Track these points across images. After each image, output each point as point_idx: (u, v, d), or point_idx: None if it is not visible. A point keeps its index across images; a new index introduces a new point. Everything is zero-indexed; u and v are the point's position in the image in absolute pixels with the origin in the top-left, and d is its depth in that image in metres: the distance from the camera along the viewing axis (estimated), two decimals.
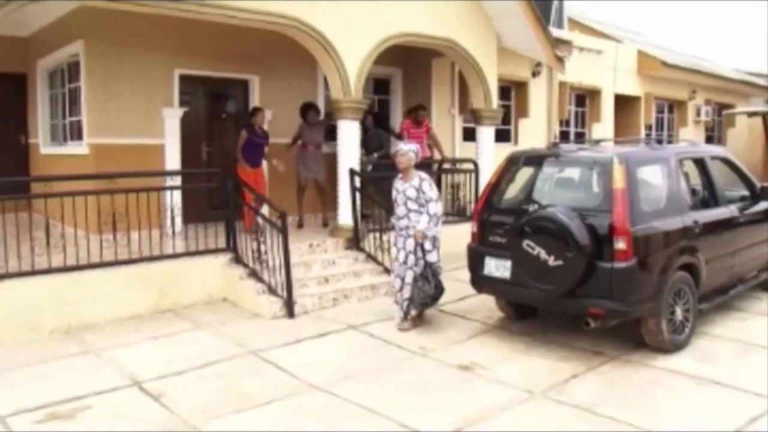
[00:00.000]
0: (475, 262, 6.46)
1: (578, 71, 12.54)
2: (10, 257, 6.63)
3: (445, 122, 10.88)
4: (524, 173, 6.40)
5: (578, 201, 5.88)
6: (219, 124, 9.49)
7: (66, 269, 6.67)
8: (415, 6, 8.97)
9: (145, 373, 5.62)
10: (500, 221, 6.24)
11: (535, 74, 11.99)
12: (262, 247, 7.30)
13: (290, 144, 9.41)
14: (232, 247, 7.66)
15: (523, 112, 12.29)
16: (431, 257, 6.56)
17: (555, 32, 11.35)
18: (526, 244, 5.71)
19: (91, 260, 6.91)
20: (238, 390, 5.30)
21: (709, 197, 6.70)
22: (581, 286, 5.57)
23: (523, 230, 5.74)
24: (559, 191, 6.17)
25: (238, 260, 7.60)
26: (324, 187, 9.44)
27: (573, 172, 6.14)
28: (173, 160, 8.69)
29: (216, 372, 5.67)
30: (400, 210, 6.59)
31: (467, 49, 9.56)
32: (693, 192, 6.71)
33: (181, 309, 7.29)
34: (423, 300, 6.52)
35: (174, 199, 8.06)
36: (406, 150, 6.52)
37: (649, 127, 15.56)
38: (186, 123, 8.91)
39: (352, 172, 8.45)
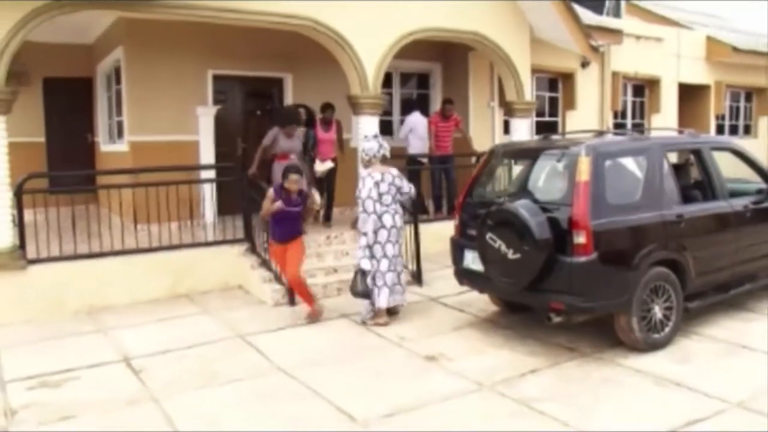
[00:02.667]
0: (455, 255, 6.53)
1: (635, 60, 12.05)
2: (49, 243, 7.43)
3: (483, 115, 10.86)
4: (503, 166, 6.39)
5: (546, 194, 5.81)
6: (254, 120, 9.98)
7: (90, 256, 7.37)
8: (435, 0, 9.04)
9: (138, 351, 6.16)
10: (477, 214, 6.25)
11: (584, 65, 11.66)
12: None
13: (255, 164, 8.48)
14: (248, 237, 8.12)
15: (570, 104, 11.99)
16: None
17: (605, 21, 11.03)
18: (489, 236, 5.73)
19: (116, 248, 7.59)
20: (210, 370, 5.69)
21: (706, 190, 6.38)
22: (543, 280, 5.54)
23: (486, 223, 5.76)
24: (530, 184, 6.10)
25: (253, 250, 8.04)
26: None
27: (545, 165, 6.04)
28: (207, 155, 9.28)
29: (199, 353, 6.10)
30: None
31: (497, 42, 9.50)
32: (685, 185, 6.44)
33: (196, 295, 7.83)
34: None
35: (207, 192, 8.66)
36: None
37: (720, 117, 14.67)
38: (222, 120, 9.47)
39: (384, 160, 8.63)
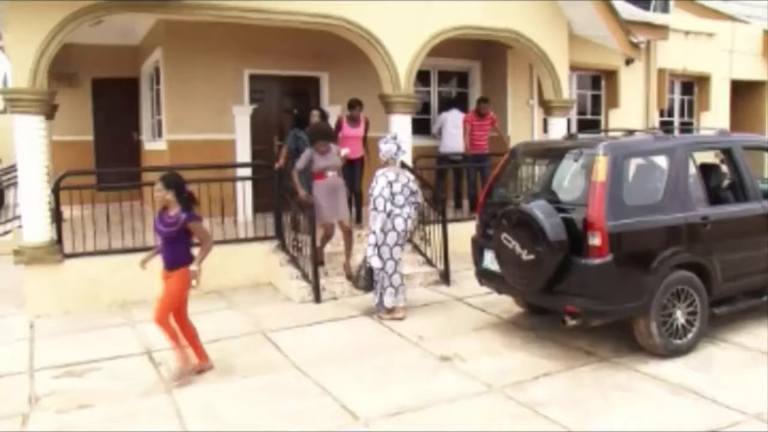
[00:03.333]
0: (476, 255, 6.46)
1: (684, 56, 11.64)
2: (86, 239, 7.69)
3: (522, 114, 10.70)
4: (524, 165, 6.29)
5: (563, 194, 5.71)
6: (290, 119, 10.07)
7: (123, 251, 7.59)
8: None
9: (161, 344, 6.22)
10: (496, 214, 6.17)
11: (628, 62, 11.32)
12: (300, 237, 7.79)
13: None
14: (278, 235, 8.22)
15: (613, 102, 11.68)
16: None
17: (650, 16, 10.70)
18: (504, 237, 5.65)
19: (150, 243, 7.79)
20: (227, 364, 5.79)
21: (738, 191, 6.12)
22: (559, 282, 5.43)
23: (501, 223, 5.68)
24: (548, 184, 5.99)
25: (282, 248, 8.14)
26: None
27: (565, 165, 5.90)
28: (243, 153, 9.46)
29: (219, 347, 6.20)
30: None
31: (533, 39, 9.35)
32: (717, 186, 6.20)
33: (226, 290, 7.98)
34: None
35: (242, 190, 8.81)
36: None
37: None
38: (258, 119, 9.62)
39: (403, 165, 8.62)
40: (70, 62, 10.98)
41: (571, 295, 5.39)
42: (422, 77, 11.23)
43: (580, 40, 10.08)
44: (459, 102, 10.81)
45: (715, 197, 6.10)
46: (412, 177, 6.98)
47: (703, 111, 13.01)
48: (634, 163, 5.63)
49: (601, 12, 9.29)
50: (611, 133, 6.49)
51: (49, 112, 10.19)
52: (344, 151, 8.19)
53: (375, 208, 6.79)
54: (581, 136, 6.62)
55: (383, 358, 5.85)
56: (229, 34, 9.10)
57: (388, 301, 6.84)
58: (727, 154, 6.19)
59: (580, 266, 5.30)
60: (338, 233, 7.77)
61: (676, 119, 13.12)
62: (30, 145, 7.07)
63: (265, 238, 8.22)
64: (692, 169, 5.86)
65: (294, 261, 7.88)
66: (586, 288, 5.31)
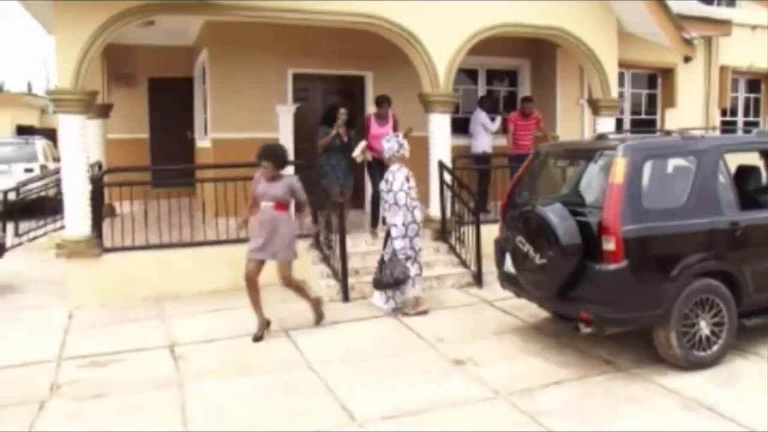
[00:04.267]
0: (498, 257, 6.32)
1: (750, 52, 11.00)
2: (127, 234, 7.98)
3: (572, 114, 10.38)
4: (547, 166, 6.09)
5: (582, 197, 5.51)
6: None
7: (159, 246, 7.84)
8: None
9: (185, 339, 6.49)
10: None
11: (687, 59, 10.79)
12: (331, 236, 7.83)
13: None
14: (313, 233, 8.28)
15: (669, 101, 11.16)
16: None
17: (710, 11, 10.16)
18: (519, 240, 5.50)
19: (187, 239, 8.03)
20: (243, 361, 5.89)
21: None
22: (573, 288, 5.24)
23: (516, 226, 5.54)
24: (569, 186, 5.80)
25: (317, 246, 8.19)
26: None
27: (587, 166, 5.69)
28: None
29: (239, 344, 6.32)
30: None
31: (580, 37, 9.05)
32: (755, 190, 5.83)
33: (260, 287, 8.07)
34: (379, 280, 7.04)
35: None
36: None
37: None
38: (303, 118, 9.70)
39: (441, 165, 8.56)
40: (128, 63, 11.44)
41: (585, 301, 5.20)
42: (470, 76, 11.14)
43: (634, 37, 9.70)
44: (486, 101, 10.54)
45: (750, 202, 5.75)
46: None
47: None
48: (657, 165, 5.37)
49: (650, 8, 8.89)
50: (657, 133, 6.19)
51: (104, 111, 10.73)
52: (362, 145, 8.26)
53: (395, 203, 6.87)
54: (611, 136, 6.38)
55: (397, 360, 5.81)
56: (273, 34, 9.21)
57: (415, 291, 6.98)
58: (766, 155, 5.82)
59: (594, 272, 5.10)
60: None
61: (740, 119, 12.46)
62: (72, 142, 7.38)
63: (301, 236, 8.27)
64: (723, 172, 5.53)
65: (326, 259, 7.92)
66: (599, 294, 5.11)
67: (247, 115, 9.42)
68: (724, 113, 12.10)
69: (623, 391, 5.00)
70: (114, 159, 11.16)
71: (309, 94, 10.06)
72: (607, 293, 5.08)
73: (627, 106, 11.23)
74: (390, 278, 6.93)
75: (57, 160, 12.33)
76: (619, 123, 10.86)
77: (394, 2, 8.22)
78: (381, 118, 8.77)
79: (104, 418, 4.83)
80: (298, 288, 6.68)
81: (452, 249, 8.43)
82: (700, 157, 5.43)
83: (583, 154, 5.88)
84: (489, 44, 9.48)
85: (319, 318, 6.78)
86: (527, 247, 5.41)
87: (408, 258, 6.92)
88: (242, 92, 9.38)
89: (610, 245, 5.01)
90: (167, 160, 10.99)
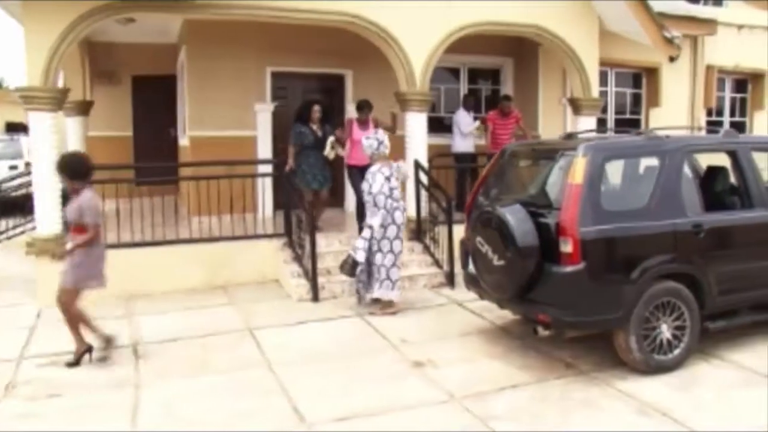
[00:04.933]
0: (463, 258, 6.24)
1: (736, 52, 10.88)
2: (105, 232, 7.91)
3: (555, 113, 10.27)
4: (512, 166, 6.01)
5: (542, 197, 5.42)
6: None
7: (132, 245, 7.79)
8: None
9: (150, 337, 6.45)
10: None
11: (672, 58, 10.69)
12: (302, 235, 7.78)
13: None
14: (287, 232, 8.23)
15: (653, 100, 11.06)
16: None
17: (695, 10, 10.04)
18: (478, 240, 5.44)
19: (158, 238, 7.98)
20: (204, 360, 5.85)
21: (743, 197, 5.65)
22: (532, 290, 5.17)
23: (476, 226, 5.47)
24: (530, 186, 5.71)
25: (290, 245, 8.15)
26: None
27: (549, 166, 5.60)
28: (264, 150, 9.54)
29: (204, 343, 6.28)
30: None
31: (560, 35, 8.95)
32: (723, 191, 5.75)
33: (232, 287, 8.06)
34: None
35: (262, 187, 8.91)
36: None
37: None
38: (282, 116, 9.65)
39: (417, 164, 8.49)
40: (111, 60, 11.41)
41: (543, 303, 5.13)
42: (454, 74, 11.07)
43: (618, 36, 9.60)
44: (469, 100, 10.41)
45: (716, 203, 5.67)
46: (396, 164, 7.03)
47: (758, 110, 12.15)
48: (619, 166, 5.30)
49: (631, 6, 8.77)
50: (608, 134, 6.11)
51: (84, 108, 10.70)
52: (331, 140, 8.24)
53: (375, 205, 6.80)
54: (580, 136, 6.30)
55: (358, 361, 5.75)
56: (251, 33, 9.15)
57: (387, 294, 6.91)
58: (733, 156, 5.73)
59: (552, 274, 5.03)
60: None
61: (727, 119, 12.33)
62: (43, 140, 7.34)
63: (274, 235, 8.26)
64: (688, 173, 5.46)
65: (298, 259, 7.87)
66: (557, 297, 5.04)
67: (226, 113, 9.36)
68: (710, 113, 11.99)
69: (579, 395, 4.93)
70: (97, 156, 10.88)
71: (288, 92, 10.00)
72: (564, 296, 5.00)
73: (611, 106, 11.13)
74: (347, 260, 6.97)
75: None
76: (603, 122, 10.77)
77: (369, 1, 8.14)
78: (363, 123, 8.54)
79: (54, 418, 4.78)
80: (75, 321, 5.79)
81: (427, 249, 8.36)
82: (663, 158, 5.35)
83: (546, 154, 5.80)
84: (471, 42, 9.41)
85: (102, 358, 5.80)
86: (486, 248, 5.34)
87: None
88: (220, 90, 9.33)
89: (567, 247, 4.93)
90: (151, 157, 10.96)
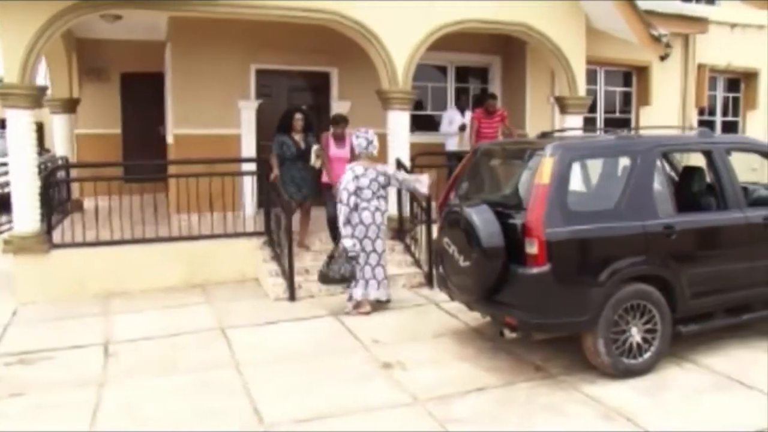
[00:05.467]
0: (436, 258, 6.17)
1: (729, 50, 10.73)
2: (85, 229, 7.89)
3: (542, 111, 10.14)
4: (484, 166, 5.92)
5: (510, 197, 5.32)
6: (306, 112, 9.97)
7: (111, 243, 7.76)
8: None
9: (122, 336, 6.42)
10: None
11: (663, 57, 10.55)
12: (281, 234, 7.72)
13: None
14: (267, 231, 8.17)
15: (644, 99, 10.94)
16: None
17: (686, 8, 9.89)
18: (445, 241, 5.36)
19: (137, 236, 7.94)
20: (173, 359, 5.81)
21: (718, 198, 5.55)
22: (499, 292, 5.09)
23: (443, 226, 5.39)
24: (501, 185, 5.63)
25: (270, 244, 8.09)
26: None
27: (519, 166, 5.50)
28: (249, 148, 9.47)
29: (175, 342, 6.24)
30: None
31: (545, 33, 8.85)
32: (698, 192, 5.65)
33: (211, 285, 8.01)
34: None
35: (245, 185, 8.88)
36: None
37: None
38: (266, 114, 9.59)
39: (399, 163, 8.41)
40: (99, 57, 11.39)
41: (510, 305, 5.05)
42: (442, 72, 10.97)
43: (608, 34, 9.48)
44: (462, 99, 10.39)
45: (692, 204, 5.58)
46: (382, 168, 6.94)
47: (750, 110, 12.00)
48: (588, 166, 5.21)
49: (618, 4, 8.66)
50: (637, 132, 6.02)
51: (71, 106, 10.66)
52: (315, 148, 8.00)
53: (340, 201, 6.80)
54: (556, 135, 6.22)
55: (327, 361, 5.69)
56: (235, 30, 9.09)
57: (373, 294, 6.90)
58: (707, 156, 5.63)
59: (518, 276, 4.94)
60: None
61: (719, 118, 12.19)
62: (21, 137, 7.31)
63: (254, 234, 8.20)
64: (660, 173, 5.36)
65: (277, 258, 7.82)
66: (522, 299, 4.96)
67: (209, 111, 9.29)
68: (702, 112, 11.85)
69: (545, 399, 4.85)
70: (85, 154, 11.15)
71: (273, 90, 9.93)
72: (529, 298, 4.92)
73: (600, 105, 11.02)
74: (336, 274, 6.81)
75: None
76: (592, 122, 10.67)
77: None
78: (338, 138, 8.08)
79: (12, 418, 4.75)
80: None
81: (407, 249, 8.29)
82: (635, 158, 5.25)
83: (517, 153, 5.70)
84: (458, 40, 9.34)
85: None
86: (452, 249, 5.27)
87: (355, 259, 6.82)
88: (204, 88, 9.25)
89: (532, 248, 4.84)
90: (140, 155, 10.94)
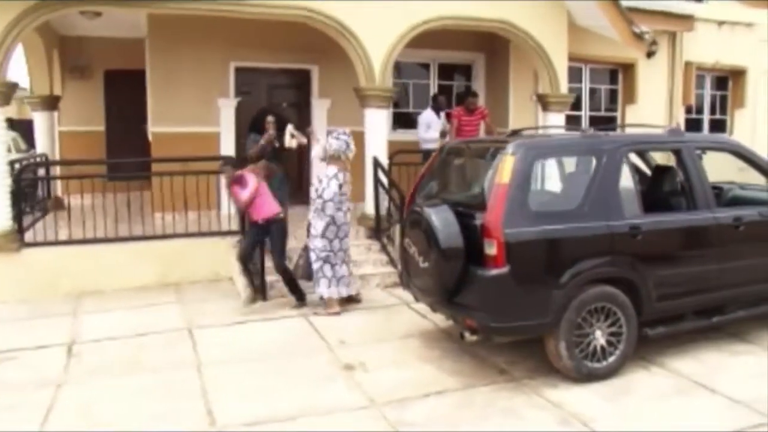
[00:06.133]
0: (400, 258, 6.08)
1: (716, 48, 10.59)
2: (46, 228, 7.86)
3: (525, 109, 10.01)
4: (450, 165, 5.83)
5: (474, 197, 5.21)
6: (279, 112, 9.92)
7: (84, 241, 7.69)
8: None
9: (88, 336, 6.36)
10: None
11: (650, 54, 10.43)
12: None
13: None
14: (241, 230, 8.07)
15: (630, 97, 10.81)
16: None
17: (672, 5, 9.74)
18: (406, 242, 5.27)
19: (110, 234, 7.88)
20: (137, 359, 5.75)
21: (687, 198, 5.44)
22: (460, 293, 4.99)
23: (405, 227, 5.30)
24: (464, 185, 5.53)
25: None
26: None
27: (482, 165, 5.40)
28: (228, 146, 9.39)
29: (141, 342, 6.17)
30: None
31: (527, 31, 8.73)
32: (669, 192, 5.55)
33: (185, 284, 7.95)
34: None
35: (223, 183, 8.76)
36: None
37: None
38: (246, 112, 9.51)
39: (376, 162, 8.32)
40: (83, 54, 11.32)
41: (469, 308, 4.95)
42: (423, 70, 10.87)
43: (594, 31, 9.37)
44: (438, 99, 10.06)
45: (660, 205, 5.48)
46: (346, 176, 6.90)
47: (738, 108, 11.86)
48: (551, 165, 5.11)
49: (599, 3, 8.53)
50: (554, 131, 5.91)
51: (51, 103, 10.60)
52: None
53: (323, 211, 6.69)
54: (525, 133, 6.10)
55: (290, 362, 5.62)
56: (214, 28, 9.02)
57: (329, 293, 6.82)
58: (677, 156, 5.51)
59: (477, 277, 4.83)
60: None
61: (706, 117, 12.04)
62: None
63: (227, 233, 8.12)
64: (627, 172, 5.25)
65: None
66: (481, 301, 4.85)
67: (188, 108, 9.24)
68: (689, 111, 11.71)
69: (504, 403, 4.75)
70: (69, 151, 11.10)
71: (253, 87, 9.86)
72: (488, 300, 4.81)
73: (585, 102, 10.90)
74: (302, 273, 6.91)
75: (20, 151, 12.21)
76: (577, 120, 10.56)
77: None
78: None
79: None
80: None
81: (384, 248, 8.20)
82: (600, 157, 5.14)
83: (482, 152, 5.60)
84: (441, 37, 9.25)
85: None
86: (413, 250, 5.18)
87: (324, 259, 6.75)
88: (183, 86, 9.21)
89: (491, 249, 4.73)
90: (124, 152, 10.87)
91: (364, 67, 8.23)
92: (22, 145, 12.85)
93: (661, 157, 7.14)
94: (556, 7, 8.99)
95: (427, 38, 8.78)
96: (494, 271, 4.74)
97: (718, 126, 12.18)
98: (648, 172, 6.39)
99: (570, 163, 5.42)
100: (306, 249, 6.95)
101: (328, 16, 8.02)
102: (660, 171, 5.92)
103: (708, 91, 12.13)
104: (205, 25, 8.94)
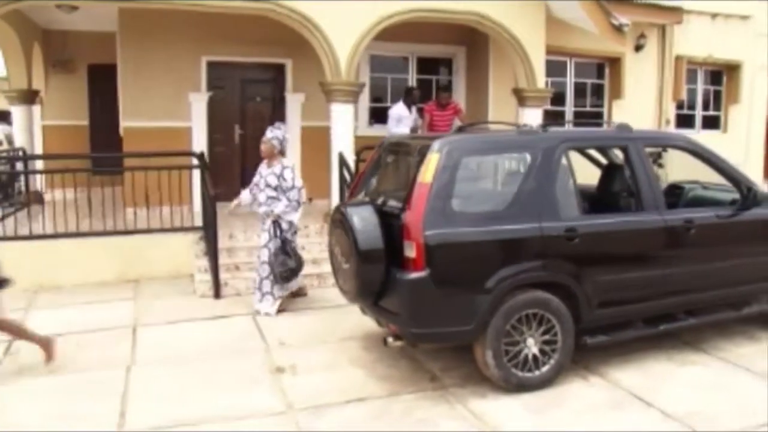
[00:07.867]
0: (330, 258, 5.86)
1: (709, 42, 10.15)
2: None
3: (505, 104, 9.65)
4: (387, 162, 5.59)
5: (400, 196, 4.96)
6: (253, 107, 9.81)
7: (43, 236, 7.63)
8: None
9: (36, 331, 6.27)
10: None
11: (638, 48, 10.04)
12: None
13: None
14: (205, 226, 7.95)
15: (616, 92, 10.42)
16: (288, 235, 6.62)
17: None
18: (332, 242, 5.07)
19: (71, 230, 7.81)
20: (71, 358, 5.63)
21: (635, 199, 5.15)
22: (384, 297, 4.79)
23: (330, 227, 5.10)
24: (396, 183, 5.30)
25: (206, 239, 7.87)
26: None
27: (412, 162, 5.13)
28: (200, 142, 9.27)
29: (82, 340, 6.06)
30: (261, 196, 6.54)
31: (502, 23, 8.44)
32: (620, 192, 5.27)
33: (145, 280, 7.85)
34: (284, 273, 6.51)
35: (195, 179, 8.67)
36: (269, 138, 6.48)
37: None
38: (219, 107, 9.40)
39: (341, 158, 8.12)
40: (66, 49, 11.28)
41: (392, 312, 4.75)
42: (402, 64, 10.63)
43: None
44: (409, 95, 9.67)
45: (607, 205, 5.20)
46: (289, 166, 6.66)
47: (733, 103, 11.39)
48: (477, 162, 4.85)
49: None
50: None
51: (30, 97, 10.60)
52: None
53: (297, 201, 6.59)
54: (476, 128, 5.87)
55: (222, 364, 5.48)
56: (186, 21, 8.88)
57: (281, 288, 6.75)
58: (624, 153, 5.22)
59: (397, 281, 4.61)
60: None
61: (699, 112, 11.58)
62: None
63: (189, 229, 8.00)
64: (565, 171, 4.98)
65: (210, 253, 7.61)
66: (401, 306, 4.62)
67: (159, 103, 9.13)
68: (681, 106, 11.28)
69: (423, 413, 4.54)
70: (52, 145, 11.10)
71: (226, 82, 9.71)
72: (408, 305, 4.58)
73: (569, 98, 10.54)
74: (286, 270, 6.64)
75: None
76: (561, 115, 10.23)
77: None
78: None
79: None
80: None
81: None
82: (535, 155, 4.87)
83: (415, 149, 5.33)
84: (420, 30, 9.02)
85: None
86: (337, 250, 4.98)
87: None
88: (154, 80, 9.09)
89: (410, 251, 4.50)
90: (107, 147, 10.77)
91: (330, 61, 8.03)
92: None
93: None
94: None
95: (405, 31, 8.56)
96: (413, 275, 4.50)
97: (711, 122, 11.71)
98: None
99: (504, 162, 5.16)
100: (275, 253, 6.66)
101: (291, 9, 7.83)
102: (609, 170, 5.63)
103: (700, 86, 11.67)
104: (177, 19, 8.81)
